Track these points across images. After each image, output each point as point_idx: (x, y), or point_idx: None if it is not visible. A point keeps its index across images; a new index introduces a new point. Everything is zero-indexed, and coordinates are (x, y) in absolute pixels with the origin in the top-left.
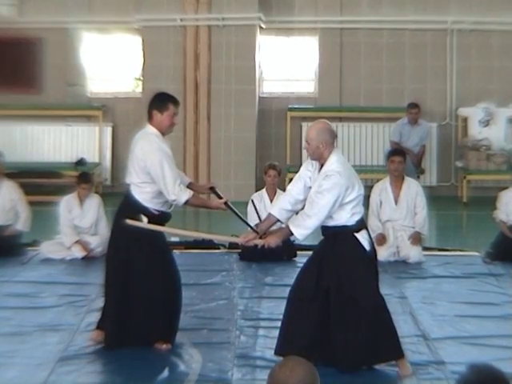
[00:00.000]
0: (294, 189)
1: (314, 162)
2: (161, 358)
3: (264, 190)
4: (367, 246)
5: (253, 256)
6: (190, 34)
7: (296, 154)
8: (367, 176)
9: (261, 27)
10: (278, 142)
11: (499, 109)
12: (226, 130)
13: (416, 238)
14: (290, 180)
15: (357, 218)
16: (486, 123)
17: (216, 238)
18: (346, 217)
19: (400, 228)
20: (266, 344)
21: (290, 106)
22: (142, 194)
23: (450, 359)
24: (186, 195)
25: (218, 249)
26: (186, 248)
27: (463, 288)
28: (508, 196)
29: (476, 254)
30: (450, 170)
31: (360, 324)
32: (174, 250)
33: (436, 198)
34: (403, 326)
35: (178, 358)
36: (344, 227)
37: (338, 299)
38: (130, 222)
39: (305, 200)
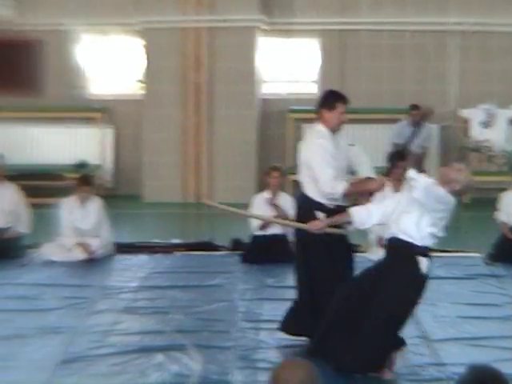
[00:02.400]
0: None
1: None
2: (162, 361)
3: (265, 192)
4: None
5: (255, 258)
6: (190, 36)
7: (296, 155)
8: None
9: (262, 29)
10: (278, 143)
11: (500, 110)
12: (226, 131)
13: None
14: (294, 182)
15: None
16: (487, 124)
17: (282, 222)
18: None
19: None
20: (267, 346)
21: (290, 108)
22: (313, 191)
23: (450, 360)
24: (341, 186)
25: (220, 250)
26: (187, 250)
27: (465, 289)
28: (509, 197)
29: (477, 255)
30: None
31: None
32: (175, 252)
33: None
34: (404, 328)
35: (179, 360)
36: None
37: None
38: (206, 201)
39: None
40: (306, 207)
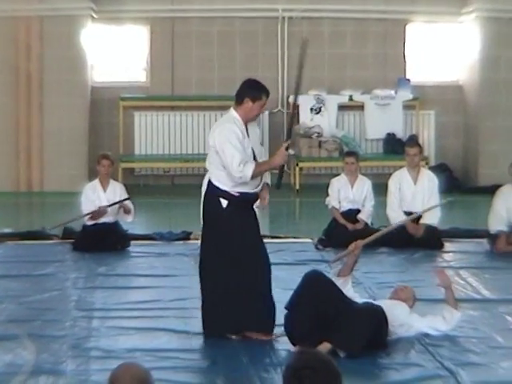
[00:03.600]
0: None
1: None
2: None
3: (97, 180)
4: None
5: (86, 246)
6: (21, 25)
7: (129, 143)
8: (200, 165)
9: (92, 17)
10: (109, 131)
11: (330, 96)
12: (57, 119)
13: None
14: (124, 170)
15: None
16: (318, 110)
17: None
18: None
19: None
20: (99, 334)
21: (122, 96)
22: (219, 177)
23: (283, 346)
24: (249, 169)
25: (51, 239)
26: (18, 239)
27: (296, 275)
28: (340, 183)
29: (309, 240)
30: None
31: None
32: (7, 242)
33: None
34: None
35: (13, 349)
36: None
37: None
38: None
39: None
40: (212, 194)
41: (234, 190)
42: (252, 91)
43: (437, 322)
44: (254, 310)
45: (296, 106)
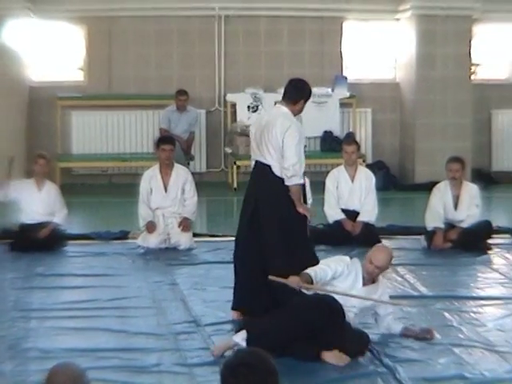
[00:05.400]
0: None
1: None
2: None
3: (33, 179)
4: None
5: (23, 246)
6: None
7: (67, 143)
8: (137, 164)
9: (29, 16)
10: (48, 131)
11: (267, 94)
12: None
13: (186, 225)
14: (61, 169)
15: None
16: (255, 109)
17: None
18: None
19: (170, 215)
20: (38, 334)
21: (59, 95)
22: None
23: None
24: (300, 181)
25: None
26: None
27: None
28: None
29: None
30: (220, 156)
31: None
32: None
33: (206, 184)
34: (175, 313)
35: None
36: None
37: None
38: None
39: None
40: (278, 185)
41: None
42: (307, 93)
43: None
44: None
45: None
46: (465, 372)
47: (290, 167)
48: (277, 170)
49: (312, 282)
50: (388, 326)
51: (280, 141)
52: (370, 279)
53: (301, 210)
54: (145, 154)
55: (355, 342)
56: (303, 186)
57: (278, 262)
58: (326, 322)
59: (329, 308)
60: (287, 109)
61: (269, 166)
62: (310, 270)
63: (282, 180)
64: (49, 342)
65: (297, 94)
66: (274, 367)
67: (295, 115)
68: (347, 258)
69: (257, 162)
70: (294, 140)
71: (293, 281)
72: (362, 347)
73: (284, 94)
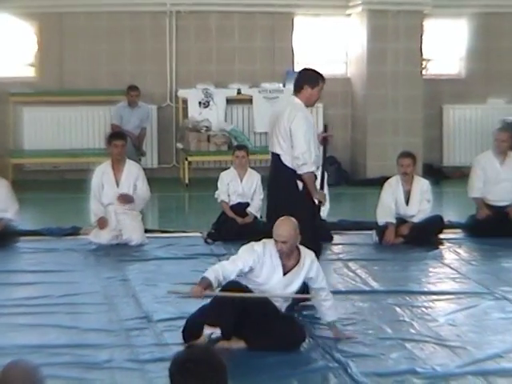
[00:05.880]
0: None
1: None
2: None
3: None
4: None
5: None
6: None
7: (18, 138)
8: (89, 160)
9: None
10: (0, 127)
11: (219, 90)
12: None
13: (125, 199)
14: (14, 166)
15: None
16: (206, 104)
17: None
18: None
19: (122, 211)
20: None
21: (11, 91)
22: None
23: (173, 340)
24: (311, 168)
25: None
26: None
27: (185, 269)
28: (229, 176)
29: (198, 234)
30: (172, 151)
31: None
32: None
33: (158, 180)
34: (126, 309)
35: None
36: None
37: None
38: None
39: None
40: (288, 177)
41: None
42: (309, 78)
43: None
44: None
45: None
46: (416, 367)
47: (299, 155)
48: (285, 159)
49: (212, 286)
50: (322, 313)
51: (288, 130)
52: (288, 259)
53: (316, 196)
54: (96, 149)
55: (288, 334)
56: (322, 173)
57: None
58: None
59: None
60: (298, 99)
61: (278, 156)
62: (210, 274)
63: (290, 169)
64: (0, 338)
65: (299, 81)
66: (223, 363)
67: (308, 105)
68: (259, 247)
69: (271, 152)
70: (302, 128)
71: (195, 291)
72: (294, 338)
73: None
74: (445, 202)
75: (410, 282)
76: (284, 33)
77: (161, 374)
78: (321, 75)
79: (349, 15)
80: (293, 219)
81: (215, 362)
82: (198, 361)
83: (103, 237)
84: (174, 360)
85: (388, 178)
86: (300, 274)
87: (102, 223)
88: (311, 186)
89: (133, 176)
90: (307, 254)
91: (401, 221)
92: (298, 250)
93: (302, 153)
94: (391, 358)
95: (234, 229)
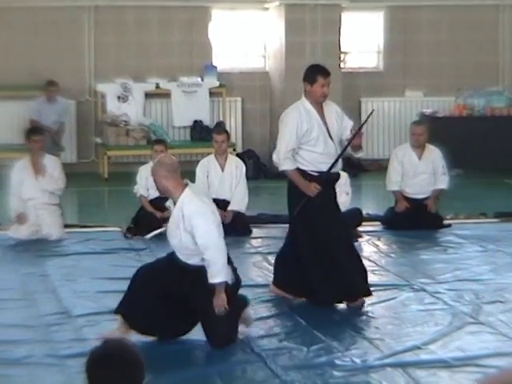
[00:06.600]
0: None
1: None
2: None
3: None
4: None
5: None
6: None
7: None
8: (7, 155)
9: None
10: None
11: (136, 84)
12: None
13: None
14: None
15: None
16: (125, 99)
17: None
18: None
19: (41, 206)
20: None
21: None
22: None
23: (93, 335)
24: (287, 166)
25: None
26: None
27: (104, 264)
28: (148, 171)
29: (117, 229)
30: (91, 146)
31: None
32: None
33: (77, 175)
34: (46, 304)
35: None
36: None
37: None
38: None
39: None
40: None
41: (312, 170)
42: (306, 75)
43: None
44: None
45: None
46: (335, 359)
47: (273, 155)
48: None
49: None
50: None
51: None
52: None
53: (305, 190)
54: (14, 145)
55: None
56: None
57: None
58: None
59: None
60: (303, 96)
61: None
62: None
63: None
64: None
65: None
66: (140, 358)
67: (315, 101)
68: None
69: None
70: (285, 127)
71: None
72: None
73: None
74: (363, 195)
75: None
76: (202, 26)
77: (80, 369)
78: (320, 70)
79: (266, 9)
80: None
81: (131, 356)
82: (114, 356)
83: (22, 232)
84: (90, 355)
85: None
86: None
87: (22, 218)
88: (295, 181)
89: (51, 170)
90: None
91: None
92: None
93: (276, 152)
94: (310, 351)
95: (152, 223)
